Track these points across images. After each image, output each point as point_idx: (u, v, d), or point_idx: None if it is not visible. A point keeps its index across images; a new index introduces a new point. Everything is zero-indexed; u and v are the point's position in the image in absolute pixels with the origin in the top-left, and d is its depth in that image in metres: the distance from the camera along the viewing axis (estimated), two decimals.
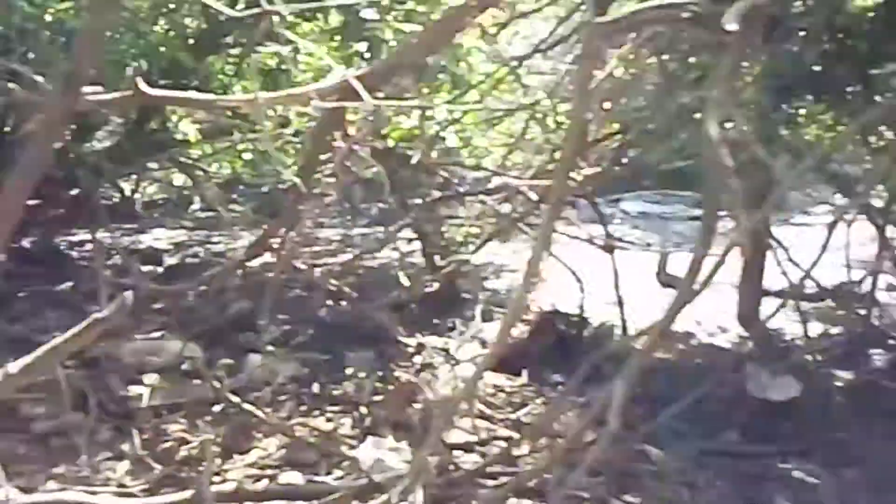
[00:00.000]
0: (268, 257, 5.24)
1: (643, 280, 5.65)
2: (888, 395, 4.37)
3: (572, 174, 4.62)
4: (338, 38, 5.26)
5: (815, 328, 5.06)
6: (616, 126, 4.77)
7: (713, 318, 5.42)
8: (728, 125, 2.65)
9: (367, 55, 4.96)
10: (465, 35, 4.98)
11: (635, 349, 3.07)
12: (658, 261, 5.72)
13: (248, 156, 6.68)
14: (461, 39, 5.03)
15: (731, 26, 2.37)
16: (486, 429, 4.03)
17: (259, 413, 3.99)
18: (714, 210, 2.89)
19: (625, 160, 5.20)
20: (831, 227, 3.45)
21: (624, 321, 5.00)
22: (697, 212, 6.68)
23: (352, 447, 3.87)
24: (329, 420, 4.19)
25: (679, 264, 5.33)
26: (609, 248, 5.99)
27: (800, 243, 4.97)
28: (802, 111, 4.64)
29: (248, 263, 5.19)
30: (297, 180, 3.74)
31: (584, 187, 5.27)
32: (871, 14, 4.24)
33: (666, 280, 5.63)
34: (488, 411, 4.18)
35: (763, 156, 2.58)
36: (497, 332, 3.11)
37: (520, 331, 4.97)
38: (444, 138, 4.71)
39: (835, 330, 5.06)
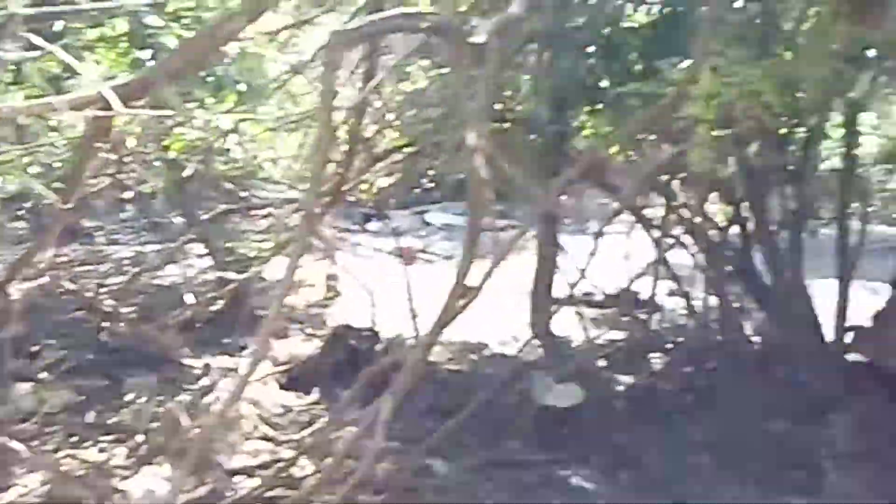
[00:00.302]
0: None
1: (445, 292, 5.68)
2: (665, 398, 4.55)
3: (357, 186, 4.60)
4: (123, 44, 5.01)
5: (602, 334, 5.24)
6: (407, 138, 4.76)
7: (507, 328, 5.50)
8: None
9: (152, 63, 4.73)
10: (257, 43, 4.85)
11: (405, 362, 3.03)
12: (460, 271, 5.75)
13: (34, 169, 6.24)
14: (254, 48, 4.90)
15: (478, 39, 2.38)
16: (270, 451, 3.90)
17: (19, 447, 3.70)
18: (477, 221, 2.90)
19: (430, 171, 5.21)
20: (596, 236, 3.56)
21: (417, 334, 4.98)
22: (501, 223, 6.78)
23: (124, 478, 3.66)
24: (102, 451, 3.95)
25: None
26: (408, 260, 6.01)
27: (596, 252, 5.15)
28: (583, 123, 4.79)
29: (19, 285, 4.81)
30: (53, 195, 3.49)
31: (379, 199, 5.25)
32: (643, 30, 4.43)
33: (463, 291, 5.67)
34: (273, 433, 4.04)
35: (508, 168, 2.60)
36: (254, 349, 3.00)
37: (312, 347, 4.88)
38: (228, 150, 4.54)
39: (619, 335, 5.23)
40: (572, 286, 4.06)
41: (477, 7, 3.42)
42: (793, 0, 4.08)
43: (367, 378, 3.34)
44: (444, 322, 2.92)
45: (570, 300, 4.97)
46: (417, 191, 7.57)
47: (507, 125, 4.64)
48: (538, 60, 4.50)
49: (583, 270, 3.98)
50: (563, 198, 5.77)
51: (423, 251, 6.56)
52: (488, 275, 3.06)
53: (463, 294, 2.86)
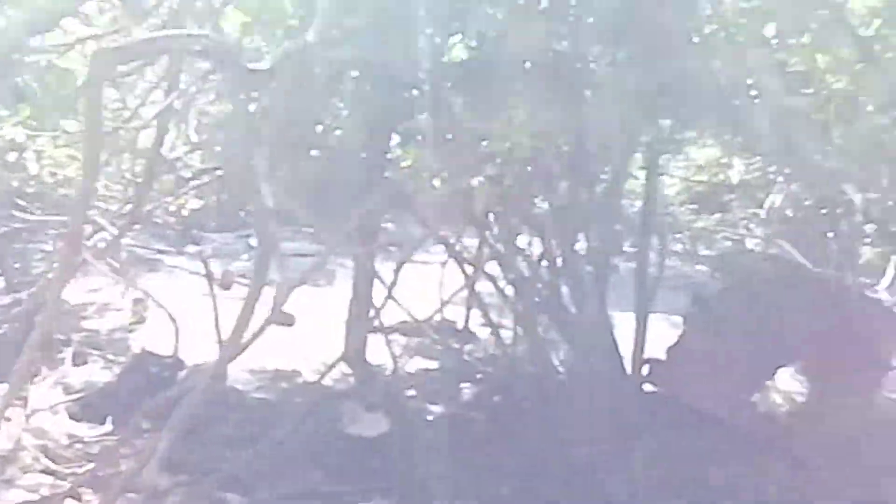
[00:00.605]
0: None
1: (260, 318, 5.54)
2: (473, 427, 4.59)
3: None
4: None
5: (408, 362, 5.25)
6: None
7: (322, 356, 5.42)
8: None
9: None
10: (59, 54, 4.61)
11: (188, 394, 2.91)
12: (273, 298, 5.62)
13: None
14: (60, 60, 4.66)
15: (261, 66, 2.33)
16: (50, 485, 3.66)
17: None
18: (266, 250, 2.84)
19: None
20: (397, 269, 3.57)
21: None
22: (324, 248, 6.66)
23: None
24: None
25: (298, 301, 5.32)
26: (225, 285, 5.85)
27: (418, 281, 5.15)
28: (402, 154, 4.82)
29: None
30: None
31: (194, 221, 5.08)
32: (464, 66, 4.50)
33: (279, 318, 5.54)
34: (55, 466, 3.80)
35: (290, 200, 2.55)
36: (11, 378, 2.81)
37: (110, 375, 4.65)
38: (25, 165, 4.28)
39: (432, 364, 5.26)
40: (377, 311, 4.06)
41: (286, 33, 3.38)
42: (600, 46, 4.25)
43: (151, 408, 3.19)
44: (231, 352, 2.83)
45: (386, 328, 4.97)
46: (243, 213, 7.38)
47: (322, 154, 4.62)
48: (355, 90, 4.50)
49: (388, 296, 3.99)
50: (388, 226, 5.77)
51: (243, 276, 6.38)
52: (282, 301, 3.00)
53: (249, 321, 2.77)
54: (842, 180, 3.80)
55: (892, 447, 4.52)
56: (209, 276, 4.75)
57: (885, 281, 7.17)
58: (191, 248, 6.89)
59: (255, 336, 3.05)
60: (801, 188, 4.80)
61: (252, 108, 2.63)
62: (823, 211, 4.66)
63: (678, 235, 6.75)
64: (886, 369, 4.39)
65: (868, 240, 5.48)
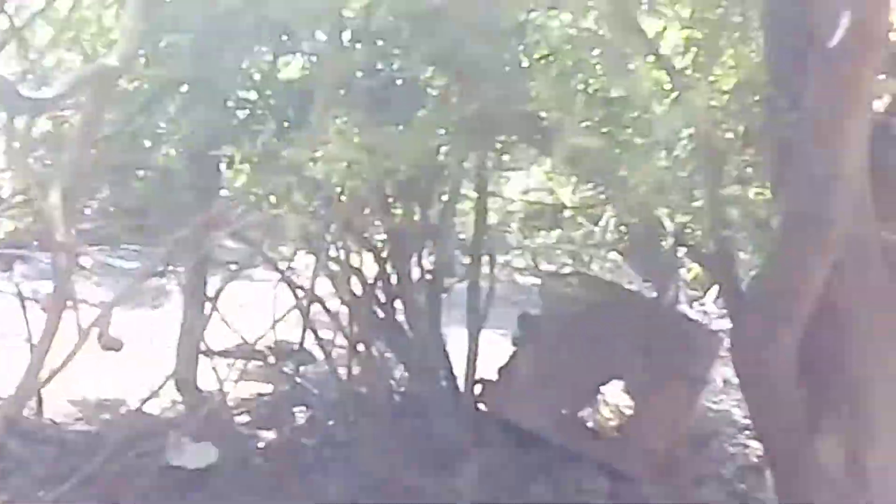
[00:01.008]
0: None
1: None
2: (305, 453, 4.52)
3: None
4: None
5: (251, 387, 5.14)
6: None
7: (153, 382, 5.21)
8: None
9: None
10: None
11: None
12: (98, 321, 5.36)
13: None
14: None
15: (39, 94, 2.21)
16: None
17: None
18: (62, 284, 2.71)
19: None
20: (220, 289, 3.48)
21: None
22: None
23: None
24: None
25: (128, 324, 5.09)
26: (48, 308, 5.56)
27: (259, 301, 5.02)
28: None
29: None
30: None
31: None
32: (297, 85, 4.44)
33: (106, 343, 5.30)
34: None
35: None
36: None
37: None
38: None
39: (267, 388, 5.16)
40: (201, 332, 3.95)
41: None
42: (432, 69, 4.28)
43: None
44: (29, 383, 2.67)
45: (218, 351, 4.83)
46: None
47: (148, 174, 4.49)
48: (182, 109, 4.37)
49: (212, 311, 3.90)
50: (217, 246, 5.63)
51: (69, 298, 6.04)
52: (104, 326, 2.88)
53: (46, 352, 2.64)
54: (655, 205, 3.95)
55: (708, 458, 4.77)
56: (22, 299, 4.49)
57: (712, 294, 7.56)
58: (19, 269, 6.51)
59: (64, 364, 2.90)
60: (622, 211, 4.97)
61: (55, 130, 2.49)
62: (645, 232, 4.84)
63: (518, 252, 6.88)
64: (703, 383, 4.60)
65: (683, 261, 5.75)
